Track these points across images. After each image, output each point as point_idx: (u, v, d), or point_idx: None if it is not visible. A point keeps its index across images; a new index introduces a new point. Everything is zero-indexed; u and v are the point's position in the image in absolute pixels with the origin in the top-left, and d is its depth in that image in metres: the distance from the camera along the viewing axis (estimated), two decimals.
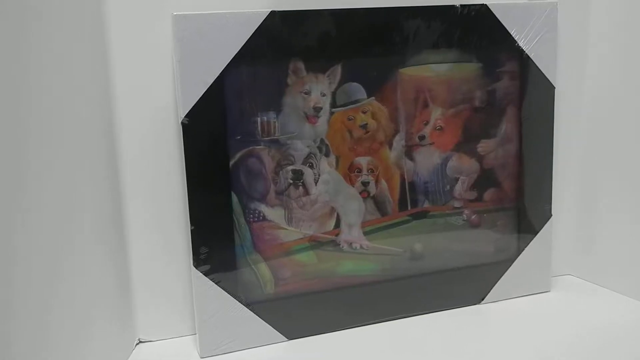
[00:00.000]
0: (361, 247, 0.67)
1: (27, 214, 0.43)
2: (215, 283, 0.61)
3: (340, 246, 0.66)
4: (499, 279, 0.71)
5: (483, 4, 0.65)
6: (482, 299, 0.71)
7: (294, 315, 0.65)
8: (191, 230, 0.60)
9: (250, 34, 0.58)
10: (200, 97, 0.58)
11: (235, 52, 0.58)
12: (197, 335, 0.62)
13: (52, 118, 0.48)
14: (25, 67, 0.44)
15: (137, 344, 0.66)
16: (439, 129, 0.67)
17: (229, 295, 0.62)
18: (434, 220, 0.69)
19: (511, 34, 0.67)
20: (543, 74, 0.69)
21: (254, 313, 0.63)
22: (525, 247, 0.72)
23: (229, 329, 0.62)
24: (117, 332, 0.62)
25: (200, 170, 0.59)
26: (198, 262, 0.61)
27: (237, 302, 0.62)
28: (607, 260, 0.74)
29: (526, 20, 0.67)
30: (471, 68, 0.67)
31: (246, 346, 0.63)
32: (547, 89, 0.69)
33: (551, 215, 0.72)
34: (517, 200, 0.71)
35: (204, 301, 0.61)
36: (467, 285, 0.70)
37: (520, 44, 0.67)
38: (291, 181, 0.63)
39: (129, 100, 0.61)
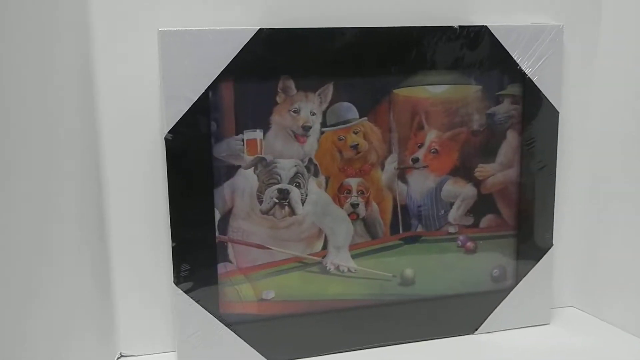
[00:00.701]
0: (349, 270, 0.65)
1: (7, 230, 0.43)
2: (196, 301, 0.60)
3: (327, 268, 0.65)
4: (494, 309, 0.69)
5: (484, 26, 0.63)
6: (476, 329, 0.69)
7: (277, 337, 0.63)
8: (172, 246, 0.59)
9: (237, 52, 0.58)
10: (184, 114, 0.57)
11: (221, 70, 0.58)
12: (176, 352, 0.61)
13: (37, 132, 0.48)
14: (9, 83, 0.44)
15: (118, 358, 0.65)
16: (433, 152, 0.65)
17: (210, 315, 0.61)
18: (427, 246, 0.67)
19: (513, 56, 0.64)
20: (547, 98, 0.66)
21: (235, 334, 0.62)
22: (524, 276, 0.69)
23: (209, 349, 0.61)
24: (97, 345, 0.62)
25: (182, 186, 0.59)
26: (179, 279, 0.60)
27: (218, 321, 0.61)
28: (612, 293, 0.71)
29: (529, 42, 0.64)
30: (469, 90, 0.65)
31: None
32: (551, 114, 0.67)
33: (552, 244, 0.69)
34: (516, 227, 0.69)
35: (184, 319, 0.60)
36: (460, 313, 0.68)
37: (523, 67, 0.65)
38: (277, 200, 0.62)
39: (115, 113, 0.61)
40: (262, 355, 0.63)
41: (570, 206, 0.73)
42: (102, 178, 0.62)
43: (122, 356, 0.65)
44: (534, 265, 0.69)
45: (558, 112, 0.67)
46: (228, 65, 0.58)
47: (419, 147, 0.65)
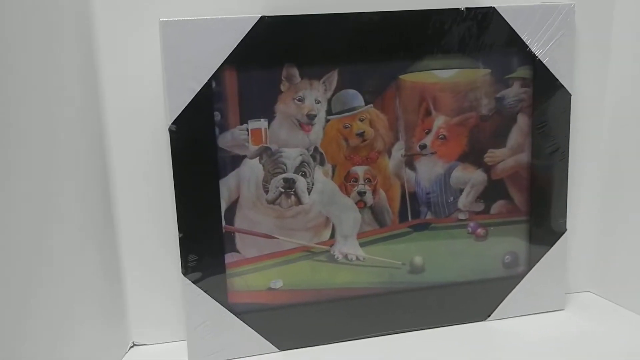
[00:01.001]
0: (357, 258, 0.65)
1: (18, 223, 0.44)
2: (204, 291, 0.61)
3: (335, 257, 0.64)
4: (507, 296, 0.68)
5: (491, 7, 0.62)
6: (489, 316, 0.68)
7: (286, 325, 0.63)
8: (179, 237, 0.59)
9: (240, 40, 0.57)
10: (188, 104, 0.57)
11: (224, 59, 0.57)
12: (186, 342, 0.62)
13: (42, 124, 0.49)
14: (14, 75, 0.44)
15: (131, 347, 0.66)
16: (442, 138, 0.64)
17: (219, 304, 0.61)
18: (437, 233, 0.66)
19: (522, 38, 0.63)
20: (558, 80, 0.64)
21: (244, 322, 0.62)
22: (537, 262, 0.68)
23: (218, 338, 0.62)
24: (110, 335, 0.63)
25: (188, 177, 0.59)
26: (187, 269, 0.60)
27: (227, 310, 0.62)
28: (630, 278, 0.69)
29: (539, 23, 0.63)
30: (478, 74, 0.64)
31: (236, 355, 0.63)
32: (563, 96, 0.65)
33: (566, 229, 0.68)
34: (528, 213, 0.67)
35: (193, 309, 0.61)
36: (472, 300, 0.67)
37: (533, 48, 0.63)
38: (282, 190, 0.62)
39: (120, 105, 0.61)
40: (272, 343, 0.63)
41: (585, 190, 0.71)
42: (110, 170, 0.62)
43: (134, 345, 0.66)
44: (547, 251, 0.68)
45: (570, 95, 0.65)
46: (230, 54, 0.57)
47: (427, 133, 0.64)
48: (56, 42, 0.53)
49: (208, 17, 0.56)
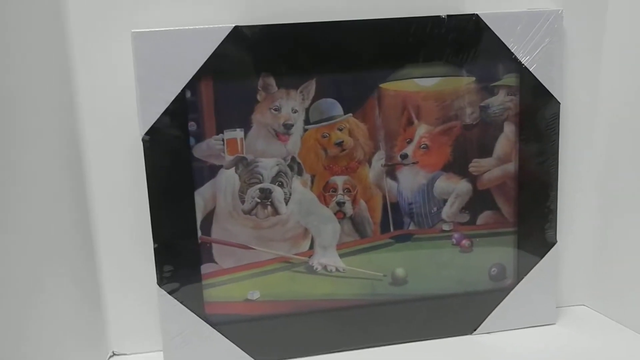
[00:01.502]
0: (337, 269, 0.63)
1: None
2: (180, 302, 0.60)
3: (314, 268, 0.63)
4: (494, 309, 0.66)
5: (474, 14, 0.60)
6: (475, 330, 0.66)
7: (264, 337, 0.63)
8: (154, 248, 0.59)
9: (213, 51, 0.57)
10: (161, 115, 0.57)
11: (197, 70, 0.57)
12: (162, 353, 0.61)
13: (18, 134, 0.50)
14: None
15: (110, 356, 0.66)
16: (423, 148, 0.63)
17: (195, 315, 0.61)
18: (420, 244, 0.65)
19: (507, 45, 0.61)
20: (546, 88, 0.62)
21: (221, 333, 0.62)
22: (526, 274, 0.66)
23: (195, 349, 0.61)
24: (89, 345, 0.63)
25: (162, 187, 0.58)
26: (162, 280, 0.60)
27: (203, 321, 0.61)
28: (626, 292, 0.67)
29: (525, 30, 0.61)
30: (462, 82, 0.62)
31: None
32: (551, 105, 0.63)
33: (556, 241, 0.66)
34: (517, 224, 0.66)
35: (169, 320, 0.60)
36: (457, 313, 0.66)
37: (519, 56, 0.61)
38: (259, 200, 0.61)
39: (96, 116, 0.61)
40: (250, 355, 0.62)
41: (580, 201, 0.69)
42: (87, 181, 0.62)
43: (114, 354, 0.66)
44: (537, 263, 0.66)
45: (559, 103, 0.63)
46: (204, 64, 0.57)
47: (408, 142, 0.63)
48: (29, 51, 0.53)
49: (180, 28, 0.56)
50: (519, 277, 0.66)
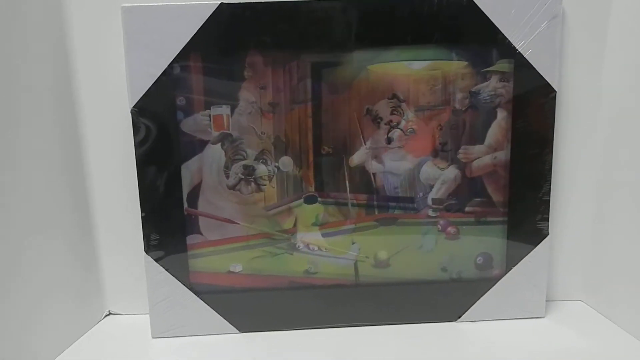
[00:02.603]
0: (319, 248, 0.64)
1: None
2: (166, 269, 0.63)
3: (297, 246, 0.64)
4: (479, 298, 0.65)
5: None
6: (459, 317, 0.66)
7: (247, 308, 0.64)
8: (142, 216, 0.62)
9: (199, 27, 0.58)
10: (149, 88, 0.59)
11: (183, 45, 0.58)
12: (149, 316, 0.64)
13: (17, 105, 0.54)
14: None
15: (106, 315, 0.70)
16: (410, 132, 0.62)
17: (179, 283, 0.63)
18: (404, 228, 0.64)
19: (500, 29, 0.59)
20: (541, 75, 0.60)
21: (205, 302, 0.64)
22: (514, 266, 0.65)
23: (179, 315, 0.64)
24: (85, 303, 0.67)
25: (150, 159, 0.61)
26: (149, 248, 0.62)
27: (188, 289, 0.64)
28: (623, 290, 0.64)
29: (519, 14, 0.59)
30: (452, 67, 0.61)
31: (196, 333, 0.64)
32: (546, 92, 0.61)
33: (548, 233, 0.64)
34: (507, 214, 0.64)
35: (154, 286, 0.63)
36: (442, 300, 0.65)
37: (513, 40, 0.59)
38: (242, 176, 0.62)
39: (92, 87, 0.64)
40: (232, 324, 0.65)
41: (578, 194, 0.67)
42: (83, 150, 0.65)
43: (110, 313, 0.70)
44: (526, 255, 0.64)
45: (555, 91, 0.61)
46: (191, 40, 0.58)
47: (395, 125, 0.62)
48: (27, 28, 0.56)
49: (168, 4, 0.57)
50: (507, 268, 0.65)
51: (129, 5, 0.57)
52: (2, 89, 0.53)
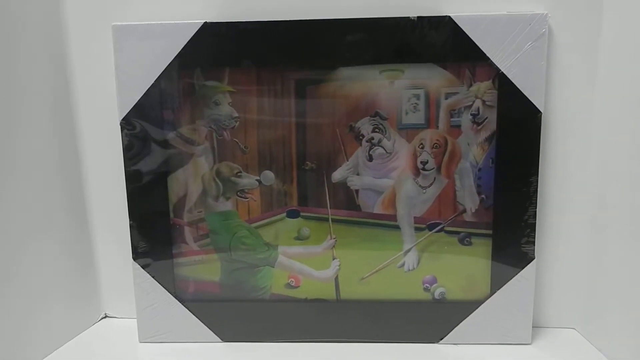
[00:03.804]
0: (300, 263, 0.65)
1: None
2: (152, 277, 0.65)
3: (278, 260, 0.65)
4: (462, 320, 0.64)
5: (446, 16, 0.58)
6: (441, 339, 0.65)
7: (230, 318, 0.66)
8: (130, 225, 0.64)
9: (184, 44, 0.60)
10: (137, 102, 0.61)
11: (169, 62, 0.60)
12: (136, 321, 0.67)
13: (19, 106, 0.59)
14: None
15: (102, 317, 0.73)
16: (436, 147, 0.62)
17: (165, 290, 0.65)
18: (385, 245, 0.64)
19: (482, 49, 0.58)
20: (525, 95, 0.59)
21: (189, 310, 0.66)
22: (498, 289, 0.63)
23: (165, 321, 0.66)
24: (82, 305, 0.70)
25: (137, 170, 0.63)
26: (137, 255, 0.65)
27: (173, 297, 0.66)
28: (615, 321, 0.62)
29: (502, 34, 0.58)
30: (434, 85, 0.61)
31: (181, 339, 0.66)
32: (531, 113, 0.59)
33: (534, 257, 0.62)
34: (492, 236, 0.63)
35: (141, 292, 0.66)
36: (423, 320, 0.65)
37: (495, 60, 0.58)
38: (225, 189, 0.64)
39: (90, 101, 0.67)
40: (215, 333, 0.66)
41: (570, 216, 0.65)
42: (81, 158, 0.68)
43: (106, 316, 0.73)
44: (511, 278, 0.63)
45: (540, 112, 0.59)
46: (176, 57, 0.60)
47: (376, 144, 0.62)
48: (29, 45, 0.60)
49: (155, 22, 0.60)
50: (492, 290, 0.64)
51: (120, 24, 0.60)
52: (3, 98, 0.57)
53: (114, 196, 0.69)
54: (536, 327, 0.67)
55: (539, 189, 0.62)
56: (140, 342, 0.67)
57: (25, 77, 0.60)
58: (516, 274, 0.63)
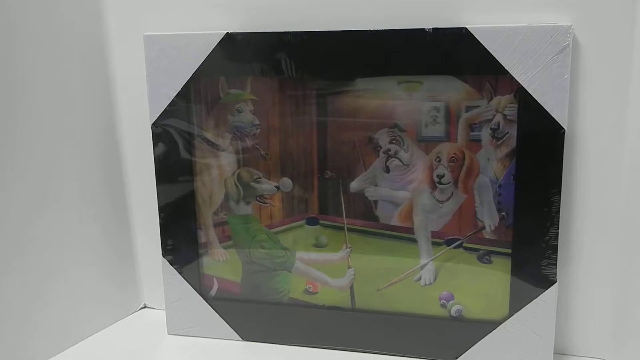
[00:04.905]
0: (317, 270, 0.66)
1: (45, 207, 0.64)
2: (179, 273, 0.69)
3: (296, 265, 0.67)
4: (479, 340, 0.62)
5: (463, 27, 0.56)
6: (456, 357, 0.63)
7: (251, 318, 0.68)
8: (160, 223, 0.68)
9: (208, 53, 0.62)
10: (165, 108, 0.65)
11: (195, 69, 0.63)
12: (165, 313, 0.71)
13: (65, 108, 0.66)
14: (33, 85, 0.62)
15: (142, 307, 0.77)
16: (453, 160, 0.61)
17: (190, 286, 0.69)
18: (401, 260, 0.64)
19: (500, 62, 0.56)
20: (546, 111, 0.56)
21: (212, 307, 0.69)
22: (517, 311, 0.61)
23: (191, 316, 0.69)
24: (121, 294, 0.75)
25: (166, 171, 0.67)
26: (166, 251, 0.69)
27: (198, 294, 0.69)
28: None
29: (522, 46, 0.55)
30: (454, 99, 0.59)
31: (205, 335, 0.70)
32: (553, 130, 0.56)
33: (556, 280, 0.59)
34: (511, 256, 0.60)
35: (169, 286, 0.69)
36: (439, 337, 0.63)
37: (515, 74, 0.56)
38: (246, 194, 0.66)
39: (131, 107, 0.71)
40: (236, 332, 0.69)
41: (603, 241, 0.61)
42: (122, 158, 0.73)
43: (145, 307, 0.77)
44: (531, 301, 0.60)
45: (564, 129, 0.56)
46: (200, 65, 0.63)
47: (392, 155, 0.62)
48: (74, 56, 0.66)
49: (181, 33, 0.63)
50: (510, 312, 0.61)
51: (150, 34, 0.64)
52: (56, 99, 0.64)
53: (151, 192, 0.72)
54: (562, 354, 0.64)
55: (562, 210, 0.59)
56: (169, 334, 0.71)
57: (72, 81, 0.66)
58: (536, 296, 0.60)
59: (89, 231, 0.69)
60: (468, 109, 0.59)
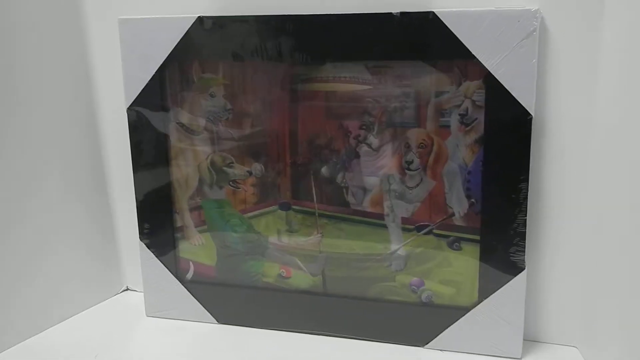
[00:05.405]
0: (290, 255, 0.66)
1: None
2: (156, 256, 0.69)
3: (268, 250, 0.67)
4: (449, 326, 0.62)
5: (430, 12, 0.56)
6: (426, 343, 0.63)
7: (226, 302, 0.69)
8: (137, 206, 0.69)
9: (180, 37, 0.63)
10: (140, 92, 0.65)
11: (168, 53, 0.63)
12: (143, 295, 0.72)
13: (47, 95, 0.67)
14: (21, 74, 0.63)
15: (124, 290, 0.78)
16: (422, 146, 0.61)
17: (167, 269, 0.69)
18: (372, 245, 0.64)
19: (468, 47, 0.55)
20: (513, 96, 0.55)
21: (188, 290, 0.69)
22: (486, 297, 0.61)
23: (168, 298, 0.70)
24: (104, 277, 0.76)
25: (142, 155, 0.67)
26: (143, 235, 0.69)
27: (174, 277, 0.69)
28: (622, 346, 0.57)
29: (489, 31, 0.55)
30: (422, 84, 0.59)
31: (182, 317, 0.70)
32: (520, 116, 0.56)
33: (524, 267, 0.59)
34: (480, 242, 0.60)
35: (147, 269, 0.70)
36: (409, 322, 0.63)
37: (482, 59, 0.55)
38: (219, 178, 0.66)
39: (106, 88, 0.72)
40: (212, 315, 0.69)
41: (569, 225, 0.60)
42: (103, 141, 0.74)
43: (127, 289, 0.79)
44: (499, 288, 0.60)
45: (531, 115, 0.55)
46: (173, 49, 0.63)
47: (362, 141, 0.62)
48: (51, 40, 0.67)
49: (154, 16, 0.63)
50: (479, 298, 0.61)
51: (124, 17, 0.64)
52: (38, 90, 0.65)
53: (132, 176, 0.73)
54: (534, 341, 0.64)
55: (531, 197, 0.58)
56: (147, 316, 0.71)
57: (51, 66, 0.66)
58: (505, 283, 0.60)
59: (72, 214, 0.70)
60: (437, 94, 0.59)
